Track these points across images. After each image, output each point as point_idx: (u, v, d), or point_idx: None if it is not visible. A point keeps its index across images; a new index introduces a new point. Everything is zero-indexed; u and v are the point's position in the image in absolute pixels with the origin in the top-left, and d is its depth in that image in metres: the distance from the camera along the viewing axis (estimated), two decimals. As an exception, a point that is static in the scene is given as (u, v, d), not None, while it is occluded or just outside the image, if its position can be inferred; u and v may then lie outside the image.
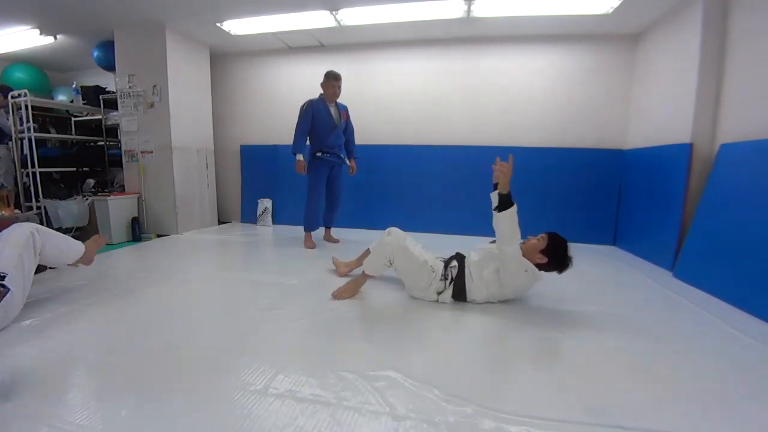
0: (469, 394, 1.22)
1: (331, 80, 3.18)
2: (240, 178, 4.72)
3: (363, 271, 2.10)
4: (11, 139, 3.58)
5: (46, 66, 4.82)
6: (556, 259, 1.89)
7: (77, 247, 2.01)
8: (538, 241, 1.92)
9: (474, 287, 1.96)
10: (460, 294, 1.98)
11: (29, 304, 1.80)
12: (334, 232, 3.63)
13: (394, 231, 2.27)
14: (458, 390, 1.23)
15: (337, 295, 2.06)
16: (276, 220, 4.53)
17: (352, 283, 2.12)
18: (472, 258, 2.03)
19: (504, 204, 1.79)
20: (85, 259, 2.07)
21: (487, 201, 1.87)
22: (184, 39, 3.89)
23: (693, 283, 2.38)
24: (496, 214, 1.81)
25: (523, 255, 1.90)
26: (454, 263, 2.03)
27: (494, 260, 1.92)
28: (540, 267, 1.90)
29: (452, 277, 1.99)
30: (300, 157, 3.20)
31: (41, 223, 3.30)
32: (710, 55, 2.66)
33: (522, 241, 1.98)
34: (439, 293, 2.01)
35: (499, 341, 1.64)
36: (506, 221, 1.79)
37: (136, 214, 3.79)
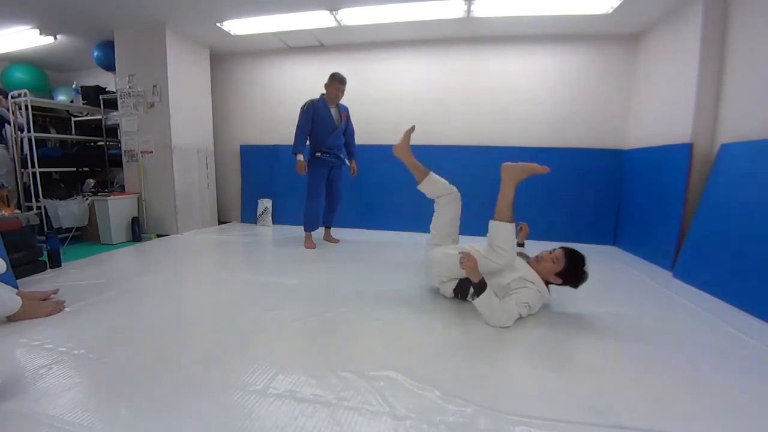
0: (469, 394, 1.22)
1: (336, 83, 3.18)
2: (240, 178, 4.72)
3: (423, 168, 2.26)
4: (9, 122, 3.57)
5: (46, 66, 4.81)
6: (573, 279, 1.86)
7: (10, 304, 1.69)
8: (554, 263, 1.85)
9: None
10: (462, 292, 1.98)
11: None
12: (334, 232, 3.63)
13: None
14: (458, 390, 1.24)
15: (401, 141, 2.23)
16: (276, 220, 4.53)
17: (411, 158, 2.28)
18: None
19: (478, 290, 1.75)
20: (22, 316, 1.73)
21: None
22: (184, 39, 3.89)
23: (693, 283, 2.38)
24: (472, 301, 1.79)
25: (537, 273, 1.87)
26: None
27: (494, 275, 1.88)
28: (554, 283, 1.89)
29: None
30: (300, 157, 3.19)
31: (41, 223, 3.30)
32: (710, 55, 2.66)
33: (534, 257, 1.95)
34: (443, 282, 2.02)
35: (499, 341, 1.64)
36: (485, 303, 1.73)
37: (136, 214, 3.79)
